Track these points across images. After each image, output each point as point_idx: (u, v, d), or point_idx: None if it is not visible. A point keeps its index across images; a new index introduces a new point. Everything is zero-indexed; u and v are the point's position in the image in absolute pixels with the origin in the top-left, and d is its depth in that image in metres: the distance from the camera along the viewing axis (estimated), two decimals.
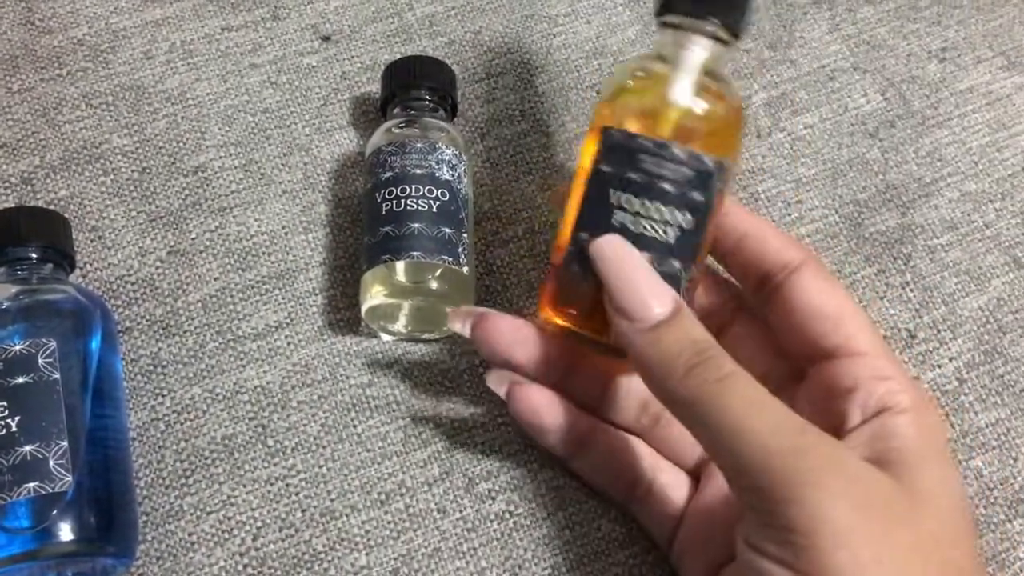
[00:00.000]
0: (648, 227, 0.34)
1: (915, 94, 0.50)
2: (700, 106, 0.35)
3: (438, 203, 0.40)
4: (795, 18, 0.51)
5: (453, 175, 0.41)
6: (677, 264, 0.34)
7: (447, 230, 0.39)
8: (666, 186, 0.34)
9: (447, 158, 0.41)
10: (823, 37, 0.51)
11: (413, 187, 0.40)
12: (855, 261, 0.45)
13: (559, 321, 0.35)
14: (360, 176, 0.45)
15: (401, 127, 0.42)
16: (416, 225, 0.39)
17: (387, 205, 0.40)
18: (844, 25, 0.51)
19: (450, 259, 0.39)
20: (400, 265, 0.39)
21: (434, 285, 0.39)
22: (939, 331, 0.44)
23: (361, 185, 0.42)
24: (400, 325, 0.41)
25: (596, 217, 0.34)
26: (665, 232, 0.34)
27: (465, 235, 0.40)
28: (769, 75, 0.50)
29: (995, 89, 0.50)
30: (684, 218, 0.34)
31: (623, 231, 0.34)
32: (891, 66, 0.50)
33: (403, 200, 0.39)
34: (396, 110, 0.44)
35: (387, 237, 0.39)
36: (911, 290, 0.44)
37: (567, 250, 0.35)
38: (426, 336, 0.42)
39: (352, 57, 0.48)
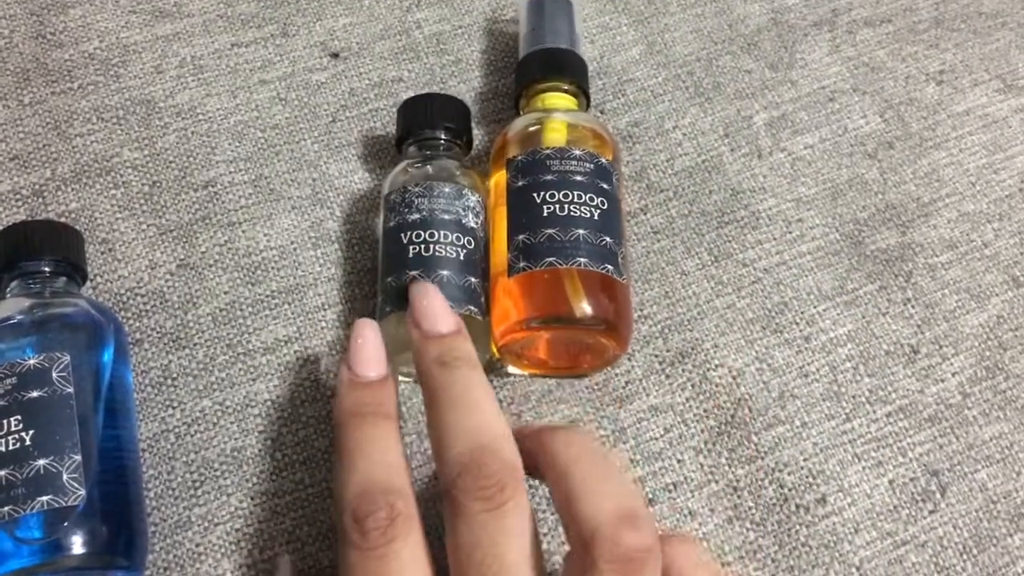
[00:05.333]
0: (574, 210, 0.39)
1: (913, 116, 0.51)
2: (579, 117, 0.43)
3: (464, 251, 0.40)
4: (796, 39, 0.52)
5: (477, 223, 0.41)
6: (608, 239, 0.39)
7: (472, 279, 0.39)
8: (577, 178, 0.40)
9: (472, 205, 0.41)
10: (823, 59, 0.52)
11: (442, 233, 0.39)
12: (857, 278, 0.46)
13: (526, 326, 0.38)
14: (367, 197, 0.46)
15: (418, 166, 0.42)
16: (444, 272, 0.39)
17: (414, 248, 0.39)
18: (844, 47, 0.52)
19: (475, 309, 0.39)
20: None
21: None
22: (941, 347, 0.44)
23: (381, 219, 0.42)
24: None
25: (528, 217, 0.40)
26: (590, 212, 0.39)
27: (486, 284, 0.40)
28: (770, 95, 0.50)
29: (992, 112, 0.51)
30: (600, 202, 0.40)
31: (553, 218, 0.39)
32: (890, 88, 0.51)
33: (432, 245, 0.39)
34: (412, 148, 0.43)
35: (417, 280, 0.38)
36: (912, 307, 0.45)
37: (509, 258, 0.39)
38: None
39: (360, 74, 0.49)
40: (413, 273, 0.39)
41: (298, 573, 0.38)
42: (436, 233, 0.39)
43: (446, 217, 0.40)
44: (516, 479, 0.30)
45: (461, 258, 0.39)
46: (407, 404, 0.41)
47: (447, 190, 0.41)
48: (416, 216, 0.40)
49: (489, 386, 0.33)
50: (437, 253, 0.39)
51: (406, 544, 0.30)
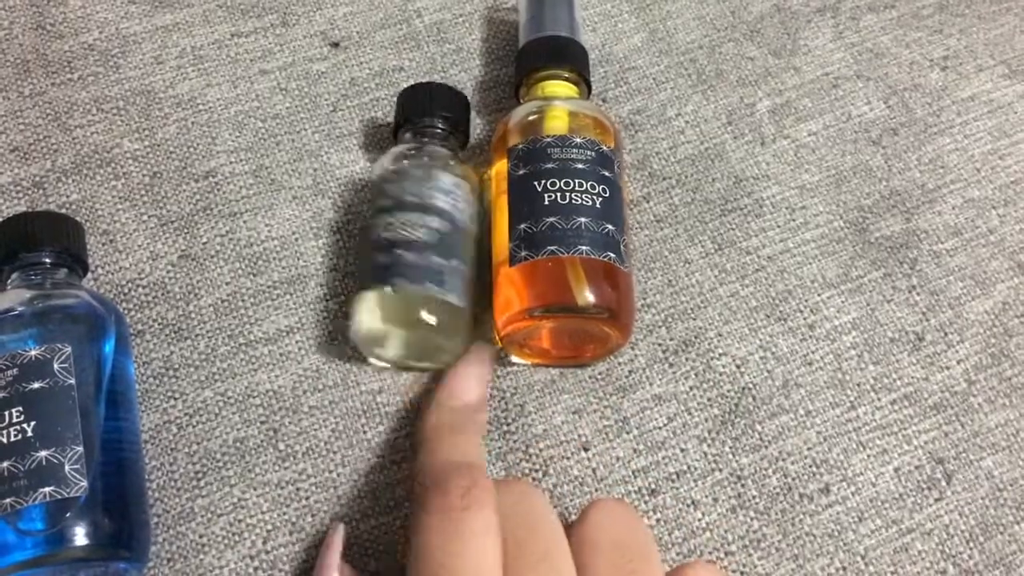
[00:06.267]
0: (575, 198, 0.39)
1: (918, 102, 0.50)
2: (580, 105, 0.43)
3: (438, 234, 0.39)
4: (799, 26, 0.52)
5: (453, 205, 0.40)
6: (610, 227, 0.39)
7: (441, 260, 0.39)
8: (579, 166, 0.40)
9: (447, 187, 0.40)
10: (827, 45, 0.51)
11: (414, 214, 0.39)
12: (861, 265, 0.45)
13: (528, 315, 0.38)
14: (369, 187, 0.46)
15: (410, 153, 0.42)
16: (410, 255, 0.38)
17: (385, 232, 0.39)
18: (847, 33, 0.52)
19: (438, 289, 0.38)
20: (389, 291, 0.38)
21: (424, 315, 0.38)
22: (946, 334, 0.44)
23: (368, 201, 0.42)
24: (390, 353, 0.40)
25: (529, 206, 0.39)
26: (592, 200, 0.39)
27: (464, 268, 0.40)
28: (773, 82, 0.50)
29: (996, 97, 0.51)
30: (601, 190, 0.40)
31: (554, 207, 0.39)
32: (894, 74, 0.51)
33: (397, 228, 0.39)
34: (407, 135, 0.43)
35: (380, 262, 0.39)
36: (918, 294, 0.45)
37: (510, 247, 0.39)
38: (419, 366, 0.41)
39: (361, 63, 0.49)
40: (379, 255, 0.39)
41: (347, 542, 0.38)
42: (407, 216, 0.39)
43: (414, 200, 0.40)
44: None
45: (432, 240, 0.39)
46: (409, 394, 0.41)
47: (419, 173, 0.40)
48: (388, 202, 0.40)
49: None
50: (401, 234, 0.39)
51: (481, 514, 0.31)
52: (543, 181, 0.40)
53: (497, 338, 0.40)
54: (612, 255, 0.39)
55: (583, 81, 0.45)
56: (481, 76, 0.49)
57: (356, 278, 0.40)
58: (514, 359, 0.41)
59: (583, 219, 0.39)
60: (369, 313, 0.39)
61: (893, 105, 0.50)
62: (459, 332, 0.39)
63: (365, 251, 0.40)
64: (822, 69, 0.51)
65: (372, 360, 0.41)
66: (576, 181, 0.39)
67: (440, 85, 0.44)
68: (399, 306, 0.38)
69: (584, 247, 0.38)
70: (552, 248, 0.38)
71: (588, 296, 0.38)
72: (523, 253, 0.39)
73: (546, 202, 0.39)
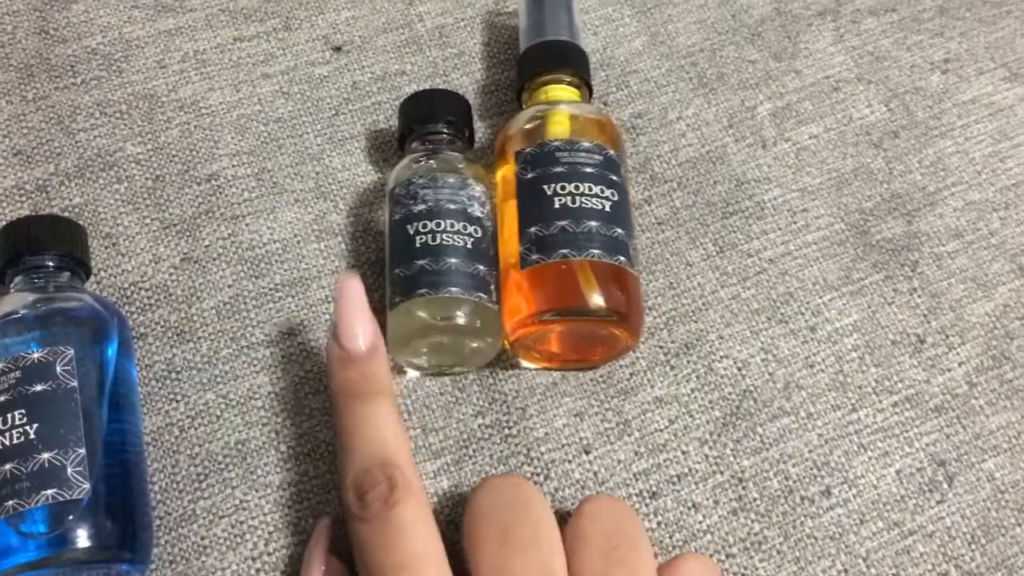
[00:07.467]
0: (585, 201, 0.39)
1: (918, 105, 0.50)
2: (582, 109, 0.43)
3: (471, 240, 0.40)
4: (800, 29, 0.52)
5: (483, 212, 0.41)
6: (619, 230, 0.39)
7: (480, 267, 0.39)
8: (587, 169, 0.40)
9: (477, 195, 0.41)
10: (827, 48, 0.52)
11: (448, 222, 0.40)
12: (863, 268, 0.45)
13: (538, 319, 0.38)
14: (371, 189, 0.46)
15: (421, 160, 0.42)
16: (453, 261, 0.39)
17: (421, 238, 0.39)
18: (848, 36, 0.52)
19: (484, 296, 0.39)
20: (438, 299, 0.38)
21: (466, 321, 0.38)
22: (947, 336, 0.44)
23: (387, 215, 0.42)
24: (427, 359, 0.40)
25: (539, 209, 0.39)
26: (601, 204, 0.39)
27: (495, 272, 0.40)
28: (774, 86, 0.50)
29: (997, 100, 0.51)
30: (610, 193, 0.40)
31: (565, 210, 0.39)
32: (895, 77, 0.51)
33: (439, 235, 0.39)
34: (415, 144, 0.43)
35: (423, 271, 0.39)
36: (919, 296, 0.45)
37: (521, 251, 0.39)
38: (454, 370, 0.41)
39: (363, 67, 0.49)
40: (421, 263, 0.39)
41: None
42: (443, 222, 0.39)
43: (452, 207, 0.40)
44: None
45: (469, 246, 0.39)
46: (412, 396, 0.41)
47: (452, 180, 0.41)
48: (422, 207, 0.40)
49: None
50: (444, 242, 0.39)
51: (407, 506, 0.32)
52: (553, 185, 0.40)
53: (506, 342, 0.40)
54: (622, 258, 0.39)
55: (585, 85, 0.45)
56: (483, 80, 0.49)
57: (397, 284, 0.39)
58: (523, 363, 0.42)
59: (594, 223, 0.39)
60: (416, 321, 0.38)
61: (894, 108, 0.50)
62: (497, 334, 0.40)
63: (405, 257, 0.39)
64: (823, 72, 0.51)
65: (408, 370, 0.41)
66: (585, 185, 0.40)
67: (440, 90, 0.44)
68: (448, 314, 0.38)
69: (596, 251, 0.38)
70: (564, 251, 0.38)
71: (599, 299, 0.38)
72: (534, 256, 0.39)
73: (556, 206, 0.39)
